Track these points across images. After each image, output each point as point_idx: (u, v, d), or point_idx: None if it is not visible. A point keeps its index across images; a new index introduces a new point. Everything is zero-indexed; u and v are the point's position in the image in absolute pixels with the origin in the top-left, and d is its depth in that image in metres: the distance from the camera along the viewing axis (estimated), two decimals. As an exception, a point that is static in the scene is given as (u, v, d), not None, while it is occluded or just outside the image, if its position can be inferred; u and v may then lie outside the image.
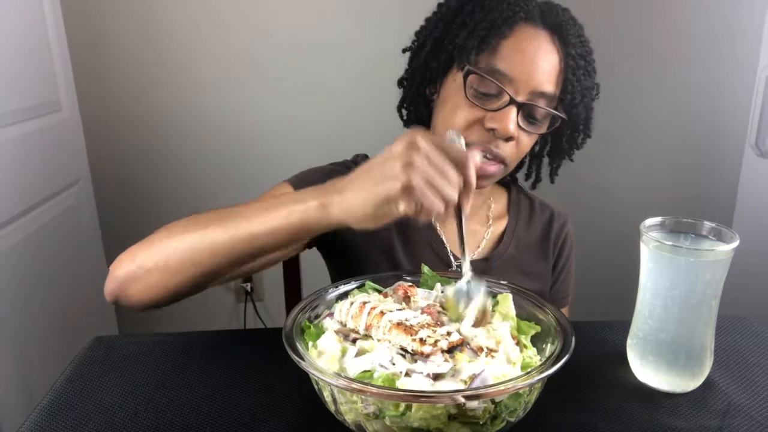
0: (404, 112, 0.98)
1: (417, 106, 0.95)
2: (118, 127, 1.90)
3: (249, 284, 2.04)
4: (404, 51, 0.94)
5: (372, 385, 0.52)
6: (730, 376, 0.73)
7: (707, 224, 0.69)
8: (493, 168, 0.85)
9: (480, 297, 0.66)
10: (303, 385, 0.63)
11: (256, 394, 0.69)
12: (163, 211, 1.94)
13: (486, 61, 0.81)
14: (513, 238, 1.00)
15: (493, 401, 0.53)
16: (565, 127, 0.90)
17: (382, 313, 0.61)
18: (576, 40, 0.84)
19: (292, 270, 1.19)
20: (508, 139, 0.83)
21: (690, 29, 1.95)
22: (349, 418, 0.57)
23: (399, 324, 0.59)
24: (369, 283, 0.73)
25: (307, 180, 0.93)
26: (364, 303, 0.63)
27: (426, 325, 0.60)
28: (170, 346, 0.80)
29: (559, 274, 1.05)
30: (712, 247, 0.67)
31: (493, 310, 0.68)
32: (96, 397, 0.69)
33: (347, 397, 0.55)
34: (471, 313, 0.65)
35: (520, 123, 0.83)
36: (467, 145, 0.83)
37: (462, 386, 0.54)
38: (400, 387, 0.54)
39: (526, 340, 0.65)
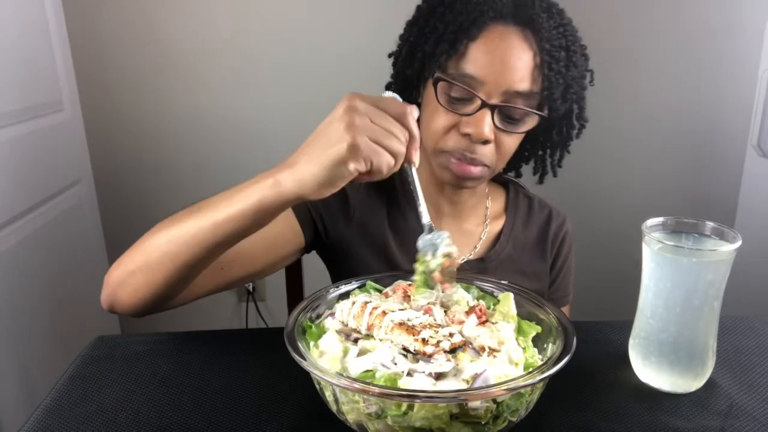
0: None
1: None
2: (120, 127, 1.91)
3: (251, 284, 2.04)
4: (390, 56, 0.94)
5: (374, 385, 0.52)
6: (732, 376, 0.73)
7: (709, 224, 0.69)
8: (475, 170, 0.84)
9: (445, 242, 0.67)
10: (304, 384, 0.63)
11: (258, 393, 0.69)
12: (165, 211, 1.93)
13: (455, 65, 0.80)
14: (510, 237, 1.00)
15: (495, 401, 0.53)
16: (555, 121, 0.89)
17: (384, 313, 0.61)
18: (552, 33, 0.81)
19: (293, 270, 1.19)
20: (485, 142, 0.82)
21: (691, 30, 1.95)
22: (350, 417, 0.57)
23: (401, 324, 0.59)
24: (370, 283, 0.73)
25: None
26: (366, 303, 0.63)
27: (428, 326, 0.60)
28: (172, 346, 0.80)
29: (558, 273, 1.05)
30: (714, 247, 0.67)
31: (494, 310, 0.68)
32: (98, 397, 0.69)
33: (349, 396, 0.55)
34: (438, 260, 0.66)
35: (498, 124, 0.81)
36: (445, 152, 0.84)
37: (464, 386, 0.54)
38: (402, 387, 0.54)
39: (525, 342, 0.65)
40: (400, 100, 0.68)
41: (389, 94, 0.72)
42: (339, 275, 0.99)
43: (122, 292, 0.75)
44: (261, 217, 0.68)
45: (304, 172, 0.63)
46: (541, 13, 0.80)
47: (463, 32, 0.79)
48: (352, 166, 0.61)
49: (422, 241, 0.68)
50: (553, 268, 1.04)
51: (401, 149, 0.64)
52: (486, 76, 0.79)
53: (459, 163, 0.83)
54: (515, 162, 1.00)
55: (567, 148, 0.96)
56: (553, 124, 0.90)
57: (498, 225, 1.01)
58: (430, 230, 0.69)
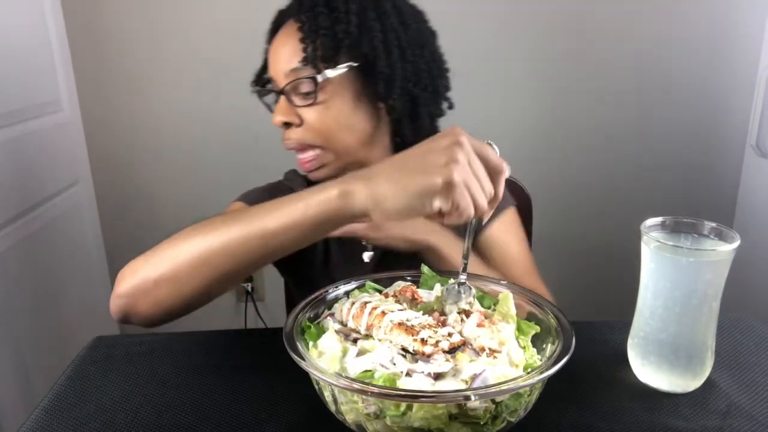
0: None
1: None
2: (119, 128, 1.91)
3: (250, 284, 2.04)
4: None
5: (373, 385, 0.52)
6: (731, 376, 0.73)
7: (708, 224, 0.69)
8: (306, 156, 0.89)
9: (467, 300, 0.66)
10: (303, 385, 0.63)
11: (257, 393, 0.69)
12: (164, 211, 1.94)
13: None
14: None
15: (494, 401, 0.53)
16: (376, 80, 0.86)
17: (383, 313, 0.61)
18: (306, 4, 0.86)
19: (292, 270, 1.19)
20: (287, 125, 0.88)
21: (690, 29, 1.95)
22: (349, 418, 0.57)
23: (400, 324, 0.59)
24: (370, 283, 0.73)
25: (253, 198, 0.96)
26: (366, 303, 0.63)
27: (427, 326, 0.60)
28: (171, 346, 0.80)
29: None
30: (713, 247, 0.67)
31: (493, 309, 0.68)
32: (97, 397, 0.69)
33: (348, 397, 0.55)
34: (454, 309, 0.65)
35: (296, 102, 0.86)
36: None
37: (463, 386, 0.54)
38: (400, 387, 0.54)
39: (525, 341, 0.65)
40: (498, 152, 0.64)
41: (493, 146, 0.66)
42: (284, 272, 1.03)
43: (142, 303, 0.70)
44: (321, 230, 0.65)
45: (382, 190, 0.60)
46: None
47: (267, 46, 0.92)
48: (437, 202, 0.58)
49: (448, 288, 0.67)
50: None
51: (485, 205, 0.60)
52: (271, 72, 0.89)
53: (299, 158, 0.90)
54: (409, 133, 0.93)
55: (422, 103, 0.89)
56: (372, 78, 0.87)
57: None
58: (461, 283, 0.67)
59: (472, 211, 0.60)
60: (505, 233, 1.00)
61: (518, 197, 1.14)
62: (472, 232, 0.67)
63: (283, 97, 0.87)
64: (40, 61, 1.59)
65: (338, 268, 0.97)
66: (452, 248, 0.87)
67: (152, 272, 0.69)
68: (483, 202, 0.60)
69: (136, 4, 1.79)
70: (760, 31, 1.94)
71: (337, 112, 0.87)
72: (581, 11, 1.92)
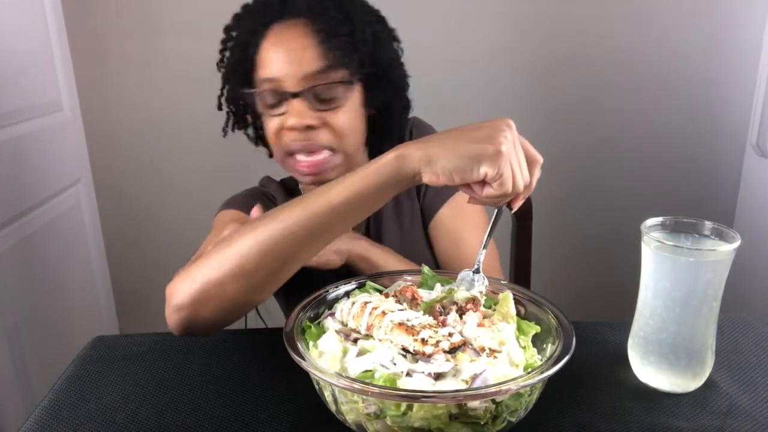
0: (250, 132, 1.05)
1: (248, 129, 1.04)
2: (119, 127, 1.91)
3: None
4: (219, 108, 1.04)
5: (373, 385, 0.52)
6: (731, 376, 0.73)
7: (708, 224, 0.69)
8: (320, 157, 0.88)
9: (479, 287, 0.69)
10: (304, 385, 0.63)
11: (257, 393, 0.69)
12: (164, 211, 1.94)
13: (256, 76, 0.89)
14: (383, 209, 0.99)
15: (494, 401, 0.53)
16: (374, 83, 0.92)
17: (383, 313, 0.61)
18: (317, 7, 0.86)
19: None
20: (310, 128, 0.86)
21: (690, 28, 1.95)
22: (350, 418, 0.57)
23: (401, 324, 0.59)
24: (370, 283, 0.73)
25: (240, 203, 0.98)
26: (366, 303, 0.63)
27: (427, 326, 0.60)
28: (171, 346, 0.80)
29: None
30: (713, 247, 0.67)
31: (493, 309, 0.68)
32: (97, 397, 0.69)
33: (348, 397, 0.55)
34: (464, 295, 0.67)
35: (320, 106, 0.86)
36: (290, 153, 0.89)
37: (463, 386, 0.54)
38: (401, 387, 0.54)
39: (526, 341, 0.65)
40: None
41: None
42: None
43: (206, 308, 0.70)
44: (378, 195, 0.67)
45: (435, 151, 0.64)
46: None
47: (251, 47, 0.89)
48: (484, 168, 0.62)
49: (463, 274, 0.71)
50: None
51: (520, 187, 0.65)
52: (279, 72, 0.85)
53: (305, 160, 0.88)
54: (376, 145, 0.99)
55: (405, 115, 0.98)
56: (376, 86, 0.92)
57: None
58: (477, 271, 0.71)
59: (510, 185, 0.63)
60: (454, 217, 0.98)
61: None
62: (496, 220, 0.71)
63: (299, 100, 0.85)
64: (40, 61, 1.59)
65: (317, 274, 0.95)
66: (376, 252, 0.91)
67: (214, 273, 0.69)
68: (520, 181, 0.64)
69: (136, 5, 1.79)
70: (760, 31, 1.94)
71: (353, 115, 0.90)
72: (581, 11, 1.92)
